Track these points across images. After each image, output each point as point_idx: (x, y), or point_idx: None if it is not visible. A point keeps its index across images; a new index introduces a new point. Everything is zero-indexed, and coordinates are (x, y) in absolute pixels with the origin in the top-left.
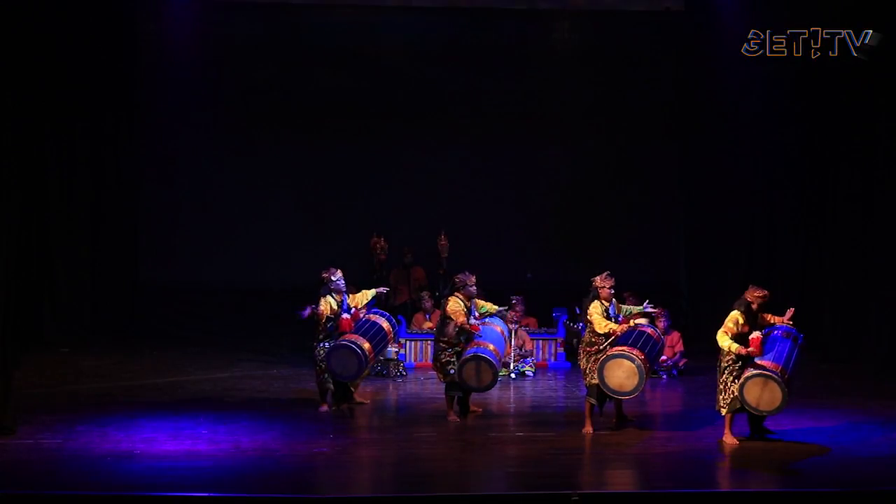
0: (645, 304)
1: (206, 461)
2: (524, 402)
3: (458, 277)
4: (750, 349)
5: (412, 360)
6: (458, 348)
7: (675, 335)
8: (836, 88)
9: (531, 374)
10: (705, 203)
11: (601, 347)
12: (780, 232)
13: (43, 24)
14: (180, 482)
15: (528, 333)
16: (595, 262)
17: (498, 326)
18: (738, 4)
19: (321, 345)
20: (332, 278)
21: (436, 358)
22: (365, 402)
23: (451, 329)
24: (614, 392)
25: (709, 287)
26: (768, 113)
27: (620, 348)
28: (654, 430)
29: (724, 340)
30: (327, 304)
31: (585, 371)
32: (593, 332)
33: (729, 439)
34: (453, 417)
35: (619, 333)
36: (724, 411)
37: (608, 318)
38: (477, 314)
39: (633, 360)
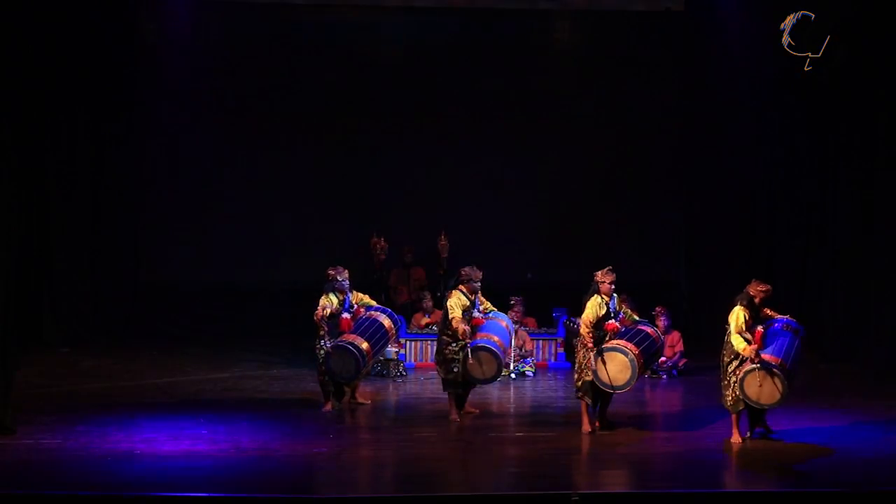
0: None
1: (206, 461)
2: (524, 402)
3: (465, 270)
4: (752, 346)
5: (412, 360)
6: (462, 341)
7: (675, 335)
8: (837, 87)
9: (531, 374)
10: (705, 203)
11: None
12: (780, 232)
13: (43, 23)
14: (180, 482)
15: (528, 333)
16: (595, 262)
17: (503, 321)
18: (737, 4)
19: (321, 343)
20: (339, 277)
21: (438, 351)
22: (366, 402)
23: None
24: (606, 385)
25: (709, 287)
26: (768, 113)
27: (615, 342)
28: (654, 430)
29: (740, 343)
30: (328, 300)
31: (581, 365)
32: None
33: (736, 439)
34: (455, 417)
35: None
36: (731, 409)
37: (608, 313)
38: (481, 308)
39: (626, 354)
